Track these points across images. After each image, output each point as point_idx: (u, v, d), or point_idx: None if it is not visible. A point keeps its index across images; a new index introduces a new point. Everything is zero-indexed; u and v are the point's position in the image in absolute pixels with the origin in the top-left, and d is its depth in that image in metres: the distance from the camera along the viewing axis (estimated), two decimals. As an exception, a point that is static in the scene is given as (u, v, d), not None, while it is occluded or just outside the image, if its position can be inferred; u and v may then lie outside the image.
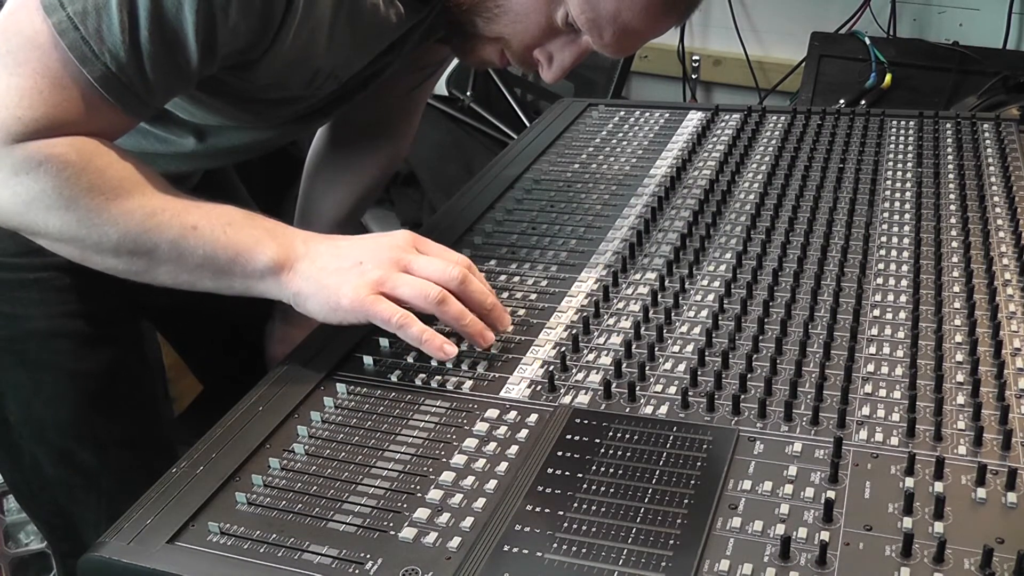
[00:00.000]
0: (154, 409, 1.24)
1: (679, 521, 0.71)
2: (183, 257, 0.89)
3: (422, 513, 0.73)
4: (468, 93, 2.50)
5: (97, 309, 1.14)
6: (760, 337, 0.92)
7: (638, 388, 0.86)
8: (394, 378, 0.90)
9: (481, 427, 0.83)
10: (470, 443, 0.81)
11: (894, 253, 1.07)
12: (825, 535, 0.69)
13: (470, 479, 0.77)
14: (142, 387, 1.23)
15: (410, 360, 0.93)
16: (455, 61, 1.41)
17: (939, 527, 0.70)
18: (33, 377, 1.14)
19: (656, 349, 0.91)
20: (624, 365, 0.89)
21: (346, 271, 0.90)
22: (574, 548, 0.69)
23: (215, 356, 1.46)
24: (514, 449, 0.80)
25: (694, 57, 2.47)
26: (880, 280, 1.02)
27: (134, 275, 0.92)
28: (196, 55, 0.88)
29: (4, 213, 0.89)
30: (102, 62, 0.85)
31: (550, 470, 0.77)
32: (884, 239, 1.10)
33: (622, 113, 1.53)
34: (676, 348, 0.92)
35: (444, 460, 0.79)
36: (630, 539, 0.70)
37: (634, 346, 0.92)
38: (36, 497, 1.23)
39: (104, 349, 1.16)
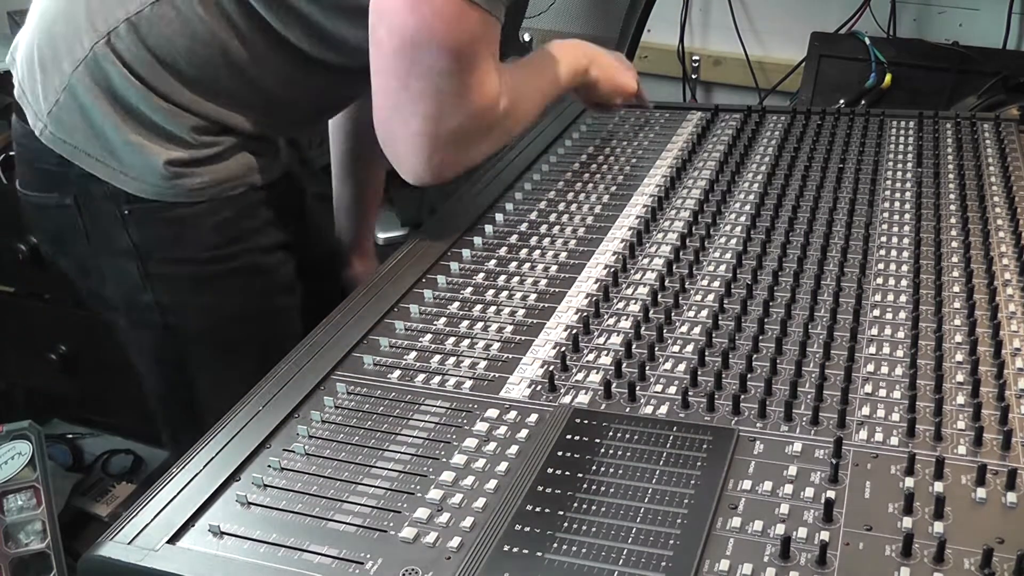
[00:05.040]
0: None
1: (679, 521, 0.71)
2: (554, 98, 1.25)
3: (422, 513, 0.73)
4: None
5: (281, 281, 1.23)
6: (760, 337, 0.92)
7: (638, 388, 0.86)
8: (394, 378, 0.90)
9: (481, 427, 0.83)
10: (470, 443, 0.81)
11: (894, 253, 1.07)
12: (825, 535, 0.69)
13: (470, 479, 0.77)
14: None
15: (410, 360, 0.93)
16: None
17: (939, 527, 0.70)
18: (225, 361, 1.19)
19: (656, 349, 0.91)
20: (624, 365, 0.89)
21: (626, 70, 1.38)
22: (574, 548, 0.69)
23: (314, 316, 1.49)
24: (514, 449, 0.80)
25: (694, 57, 2.47)
26: (880, 280, 1.02)
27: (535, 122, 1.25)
28: None
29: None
30: None
31: (550, 470, 0.77)
32: (884, 239, 1.10)
33: (622, 113, 1.53)
34: (676, 348, 0.92)
35: (444, 460, 0.79)
36: (630, 539, 0.70)
37: (634, 346, 0.92)
38: None
39: (288, 323, 1.23)
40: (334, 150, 1.50)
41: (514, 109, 1.10)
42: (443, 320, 0.99)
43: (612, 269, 1.07)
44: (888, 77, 2.01)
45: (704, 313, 0.98)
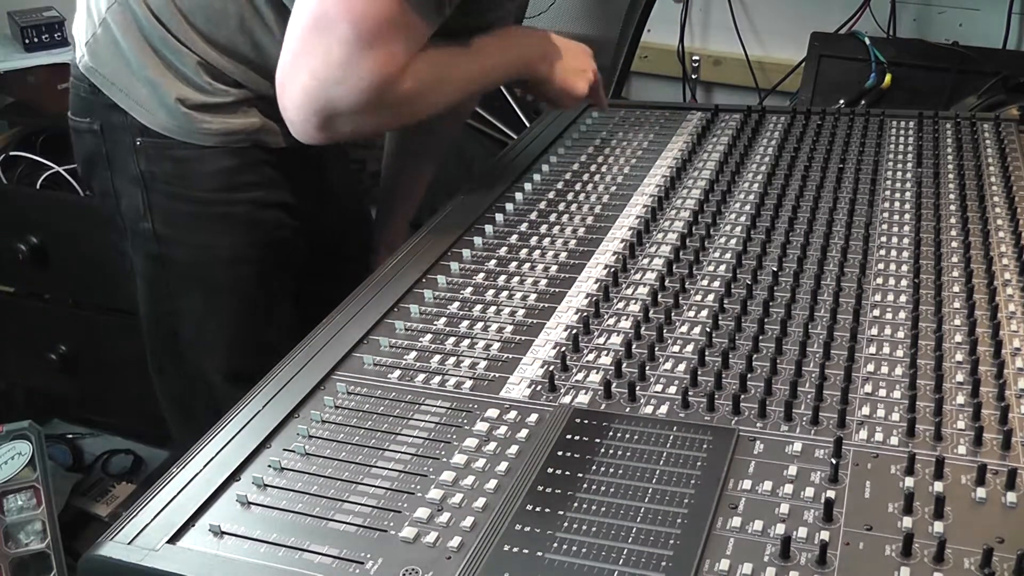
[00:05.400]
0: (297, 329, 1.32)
1: (679, 521, 0.71)
2: (488, 86, 1.27)
3: (422, 512, 0.73)
4: (468, 93, 2.49)
5: (276, 239, 1.29)
6: (760, 337, 0.92)
7: (638, 388, 0.86)
8: (394, 378, 0.90)
9: (481, 427, 0.83)
10: (470, 443, 0.81)
11: (894, 253, 1.07)
12: (825, 535, 0.69)
13: (470, 479, 0.77)
14: (291, 309, 1.34)
15: (410, 360, 0.93)
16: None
17: (939, 527, 0.70)
18: (209, 301, 1.28)
19: (656, 349, 0.91)
20: (624, 365, 0.89)
21: (581, 72, 1.30)
22: (574, 548, 0.69)
23: (320, 285, 1.52)
24: (514, 449, 0.80)
25: (694, 57, 2.47)
26: (880, 280, 1.02)
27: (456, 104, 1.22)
28: None
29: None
30: None
31: (550, 470, 0.77)
32: (884, 239, 1.10)
33: (622, 113, 1.53)
34: (676, 348, 0.92)
35: (444, 460, 0.79)
36: (630, 539, 0.70)
37: (634, 346, 0.92)
38: (195, 406, 1.33)
39: (274, 279, 1.30)
40: (387, 146, 1.58)
41: (424, 93, 1.10)
42: (443, 320, 0.99)
43: (612, 269, 1.07)
44: (888, 77, 2.01)
45: (704, 313, 0.98)
